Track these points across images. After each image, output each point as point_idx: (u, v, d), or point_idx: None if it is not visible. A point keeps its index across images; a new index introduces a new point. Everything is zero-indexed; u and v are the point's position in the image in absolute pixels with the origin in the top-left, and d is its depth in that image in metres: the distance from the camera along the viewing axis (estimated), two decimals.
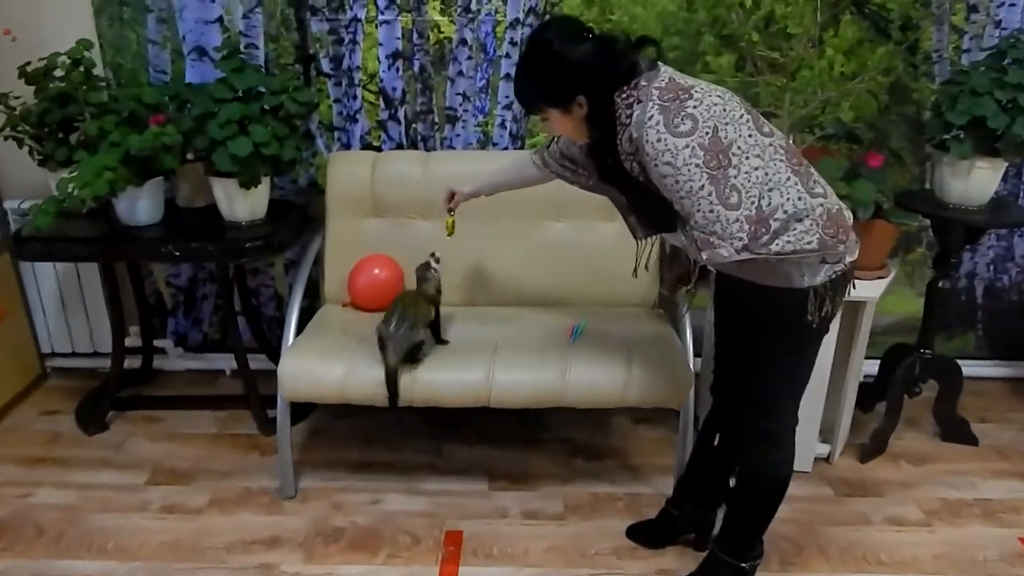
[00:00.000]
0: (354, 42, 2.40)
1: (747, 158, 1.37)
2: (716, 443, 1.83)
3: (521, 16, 2.37)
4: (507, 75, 2.43)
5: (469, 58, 2.42)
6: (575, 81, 1.42)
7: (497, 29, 2.39)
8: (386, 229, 2.37)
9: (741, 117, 1.40)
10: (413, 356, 1.97)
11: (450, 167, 2.37)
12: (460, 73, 2.44)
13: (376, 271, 2.27)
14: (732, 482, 1.80)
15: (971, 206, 2.08)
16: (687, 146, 1.34)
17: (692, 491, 1.87)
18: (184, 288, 2.73)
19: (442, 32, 2.40)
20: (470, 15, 2.37)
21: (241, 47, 2.37)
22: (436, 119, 2.49)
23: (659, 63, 1.45)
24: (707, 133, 1.35)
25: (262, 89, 2.17)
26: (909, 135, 2.46)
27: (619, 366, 1.94)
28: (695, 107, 1.37)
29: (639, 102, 1.39)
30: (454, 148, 2.53)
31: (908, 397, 2.31)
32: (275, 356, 2.68)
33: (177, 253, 2.14)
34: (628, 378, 1.92)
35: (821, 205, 1.42)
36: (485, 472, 2.25)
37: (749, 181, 1.36)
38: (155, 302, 2.74)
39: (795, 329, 1.49)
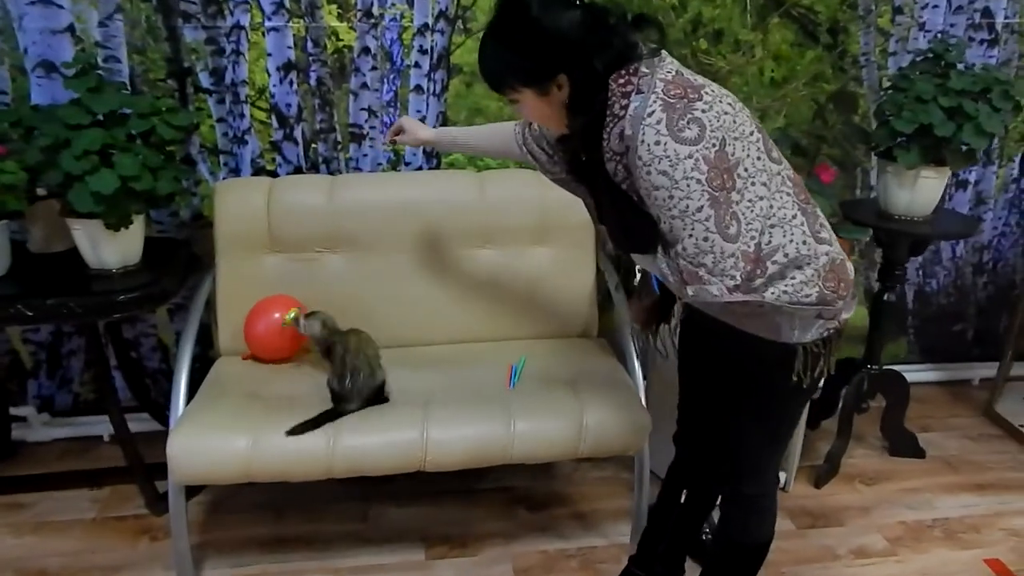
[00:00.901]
0: (237, 52, 2.08)
1: (752, 184, 1.17)
2: (683, 499, 1.65)
3: (430, 21, 2.12)
4: (417, 87, 2.18)
5: (373, 68, 2.15)
6: (556, 56, 1.17)
7: (404, 36, 2.13)
8: (287, 267, 2.06)
9: (751, 134, 1.19)
10: (380, 398, 1.78)
11: (359, 192, 2.09)
12: (364, 85, 2.16)
13: (276, 315, 1.96)
14: (704, 537, 1.63)
15: (917, 217, 2.00)
16: (690, 156, 1.12)
17: (659, 552, 1.68)
18: (45, 344, 2.31)
19: (341, 40, 2.11)
20: (372, 20, 2.10)
21: (99, 61, 2.01)
22: (339, 138, 2.20)
23: (663, 51, 1.21)
24: (714, 145, 1.13)
25: (127, 111, 1.82)
26: (849, 145, 2.37)
27: (569, 414, 1.73)
28: (704, 111, 1.14)
29: (639, 92, 1.14)
30: (361, 170, 2.25)
31: (856, 414, 2.22)
32: (161, 415, 2.33)
33: (30, 313, 1.75)
34: (580, 427, 1.71)
35: (826, 254, 1.23)
36: (420, 537, 1.99)
37: (752, 212, 1.16)
38: (9, 363, 2.32)
39: (780, 388, 1.31)
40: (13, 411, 2.32)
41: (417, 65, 2.16)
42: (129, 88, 2.04)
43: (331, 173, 2.23)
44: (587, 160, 1.27)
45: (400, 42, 2.13)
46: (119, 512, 2.09)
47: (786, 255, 1.19)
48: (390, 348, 2.04)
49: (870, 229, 2.00)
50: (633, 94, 1.15)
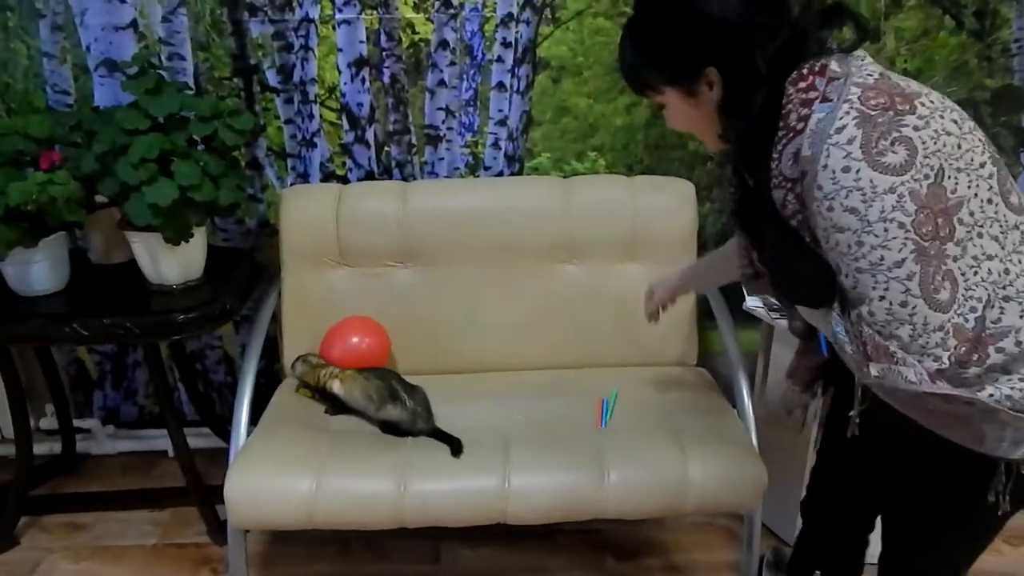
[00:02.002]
0: (306, 48, 1.91)
1: (980, 235, 0.87)
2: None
3: (515, 11, 1.90)
4: (499, 84, 1.97)
5: (452, 64, 1.95)
6: (707, 43, 0.93)
7: (485, 27, 1.92)
8: (356, 282, 1.90)
9: (982, 167, 0.89)
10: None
11: (434, 200, 1.90)
12: (441, 83, 1.96)
13: (355, 339, 1.80)
14: None
15: None
16: (892, 189, 0.84)
17: None
18: (111, 354, 2.22)
19: (417, 33, 1.92)
20: (451, 11, 1.90)
21: (162, 59, 1.87)
22: (413, 140, 2.02)
23: (860, 48, 0.94)
24: (927, 176, 0.85)
25: (188, 115, 1.68)
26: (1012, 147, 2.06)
27: (671, 463, 1.50)
28: (918, 129, 0.86)
29: (825, 100, 0.88)
30: (436, 175, 2.06)
31: None
32: (225, 432, 2.20)
33: (85, 333, 1.64)
34: (685, 481, 1.48)
35: None
36: None
37: (976, 273, 0.86)
38: (75, 372, 2.24)
39: (971, 507, 1.01)
40: (78, 423, 2.25)
41: (500, 59, 1.95)
42: (194, 87, 1.90)
43: (404, 178, 2.05)
44: (753, 187, 1.01)
45: (481, 34, 1.93)
46: (180, 538, 1.97)
47: (1019, 343, 0.87)
48: (463, 374, 1.87)
49: None
50: (817, 102, 0.88)
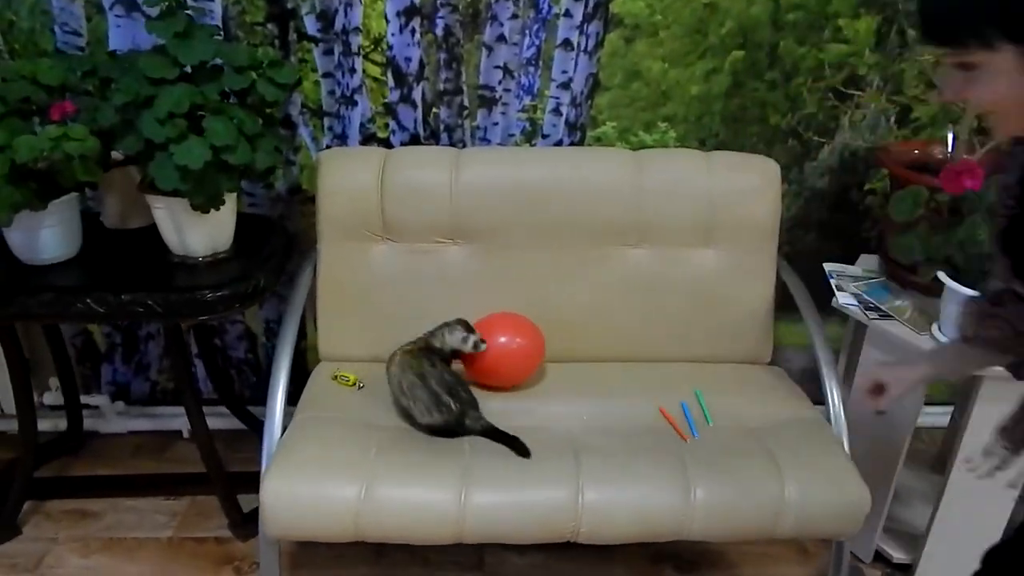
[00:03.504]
0: None
1: None
2: None
3: None
4: (565, 41, 1.75)
5: (514, 17, 1.73)
6: None
7: None
8: (402, 258, 1.70)
9: None
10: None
11: (488, 171, 1.70)
12: (500, 38, 1.75)
13: (502, 339, 1.59)
14: None
15: None
16: None
17: None
18: (122, 325, 2.03)
19: None
20: None
21: (188, 1, 1.65)
22: (466, 101, 1.81)
23: None
24: None
25: (221, 63, 1.46)
26: None
27: (766, 481, 1.34)
28: None
29: None
30: (489, 141, 1.85)
31: None
32: (244, 413, 2.04)
33: (100, 310, 1.44)
34: (781, 502, 1.32)
35: None
36: None
37: None
38: (82, 344, 2.05)
39: None
40: (85, 399, 2.07)
41: (568, 14, 1.73)
42: (222, 33, 1.68)
43: (453, 144, 1.85)
44: None
45: None
46: (198, 531, 1.81)
47: None
48: None
49: None
50: None
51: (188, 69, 1.44)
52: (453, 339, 1.53)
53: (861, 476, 1.36)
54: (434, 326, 1.56)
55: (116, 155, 1.55)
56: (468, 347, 1.53)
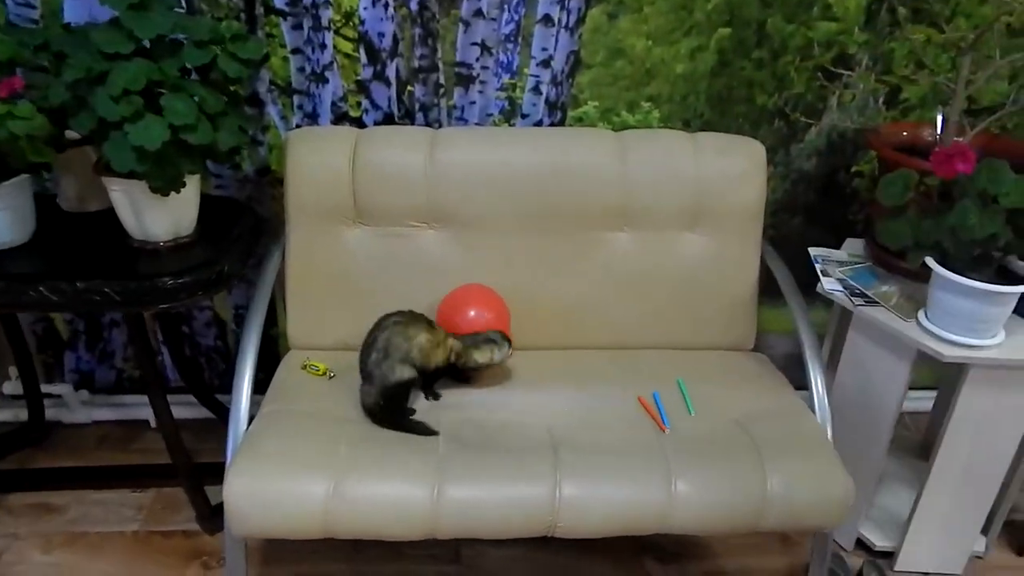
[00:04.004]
0: None
1: None
2: None
3: None
4: (546, 17, 1.68)
5: None
6: None
7: None
8: (375, 243, 1.64)
9: None
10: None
11: (464, 152, 1.63)
12: (478, 13, 1.68)
13: (472, 313, 1.55)
14: None
15: None
16: None
17: None
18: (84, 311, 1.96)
19: None
20: None
21: None
22: (442, 79, 1.74)
23: None
24: None
25: (181, 38, 1.38)
26: None
27: (749, 474, 1.30)
28: None
29: None
30: (466, 121, 1.79)
31: None
32: (213, 403, 1.98)
33: (55, 298, 1.37)
34: (765, 494, 1.28)
35: None
36: None
37: None
38: (43, 331, 1.97)
39: None
40: (47, 388, 1.99)
41: None
42: (184, 6, 1.60)
43: (428, 123, 1.78)
44: None
45: None
46: (166, 525, 1.75)
47: None
48: None
49: None
50: None
51: (146, 44, 1.36)
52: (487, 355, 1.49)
53: (845, 465, 1.33)
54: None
55: (72, 134, 1.47)
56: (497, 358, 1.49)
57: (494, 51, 1.71)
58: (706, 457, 1.33)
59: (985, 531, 1.70)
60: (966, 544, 1.64)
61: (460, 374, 1.51)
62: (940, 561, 1.67)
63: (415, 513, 1.25)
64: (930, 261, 1.42)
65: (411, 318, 1.45)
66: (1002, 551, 1.75)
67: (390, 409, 1.40)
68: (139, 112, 1.30)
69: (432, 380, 1.49)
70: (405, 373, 1.41)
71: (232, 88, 1.45)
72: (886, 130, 1.72)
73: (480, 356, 1.48)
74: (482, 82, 1.74)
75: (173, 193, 1.41)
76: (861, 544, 1.73)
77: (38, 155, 1.33)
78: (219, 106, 1.39)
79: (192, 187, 1.47)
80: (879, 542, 1.71)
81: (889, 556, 1.69)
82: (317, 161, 1.61)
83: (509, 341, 1.50)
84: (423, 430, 1.38)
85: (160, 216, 1.46)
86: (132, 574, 1.62)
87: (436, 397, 1.49)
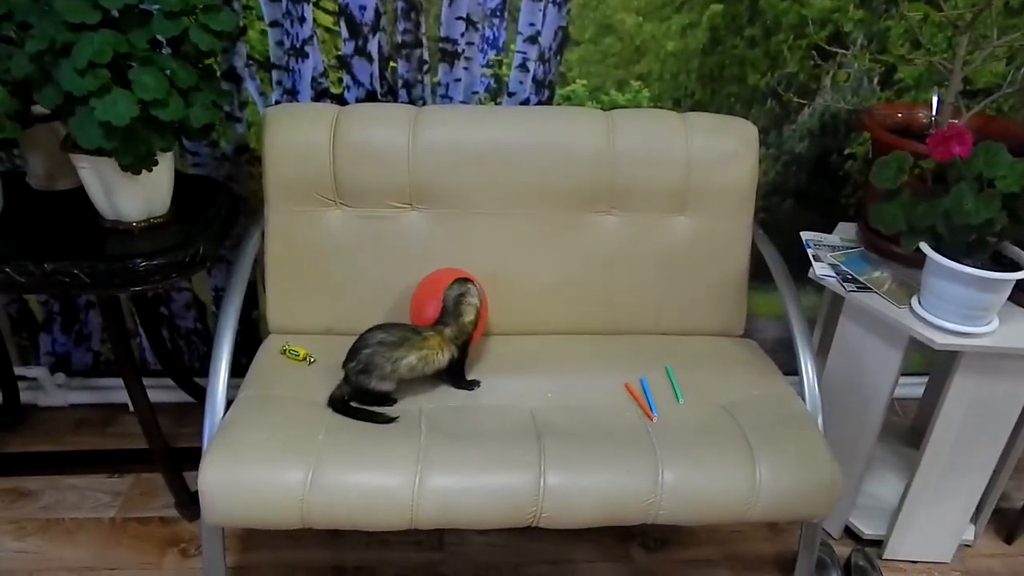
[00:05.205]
0: None
1: None
2: None
3: None
4: None
5: None
6: None
7: None
8: (356, 224, 1.59)
9: None
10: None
11: (449, 130, 1.58)
12: None
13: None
14: None
15: None
16: None
17: None
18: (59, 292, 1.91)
19: None
20: None
21: None
22: (426, 55, 1.68)
23: None
24: None
25: (150, 8, 1.32)
26: None
27: (737, 462, 1.27)
28: None
29: None
30: (451, 99, 1.73)
31: None
32: (192, 386, 1.93)
33: (22, 280, 1.32)
34: (753, 483, 1.25)
35: None
36: (508, 574, 1.59)
37: None
38: (17, 312, 1.92)
39: None
40: (21, 371, 1.94)
41: None
42: None
43: (412, 101, 1.73)
44: None
45: None
46: (143, 511, 1.72)
47: None
48: (481, 338, 1.59)
49: None
50: None
51: (114, 14, 1.30)
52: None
53: (834, 453, 1.30)
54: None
55: (39, 109, 1.41)
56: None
57: (480, 26, 1.66)
58: (694, 446, 1.30)
59: (974, 519, 1.69)
60: (955, 532, 1.63)
61: (461, 374, 1.47)
62: (929, 549, 1.66)
63: (395, 503, 1.22)
64: (924, 246, 1.39)
65: (400, 339, 1.38)
66: (991, 539, 1.74)
67: (355, 408, 1.37)
68: (106, 86, 1.24)
69: (456, 374, 1.45)
70: (383, 386, 1.37)
71: (205, 62, 1.40)
72: (880, 111, 1.68)
73: (468, 316, 1.44)
74: (467, 58, 1.69)
75: (145, 171, 1.36)
76: (850, 532, 1.71)
77: (1, 131, 1.28)
78: (191, 80, 1.33)
79: (165, 165, 1.42)
80: (868, 530, 1.69)
81: (878, 544, 1.68)
82: (296, 139, 1.56)
83: (468, 279, 1.46)
84: (383, 419, 1.34)
85: (132, 195, 1.40)
86: (108, 561, 1.59)
87: (474, 385, 1.46)
